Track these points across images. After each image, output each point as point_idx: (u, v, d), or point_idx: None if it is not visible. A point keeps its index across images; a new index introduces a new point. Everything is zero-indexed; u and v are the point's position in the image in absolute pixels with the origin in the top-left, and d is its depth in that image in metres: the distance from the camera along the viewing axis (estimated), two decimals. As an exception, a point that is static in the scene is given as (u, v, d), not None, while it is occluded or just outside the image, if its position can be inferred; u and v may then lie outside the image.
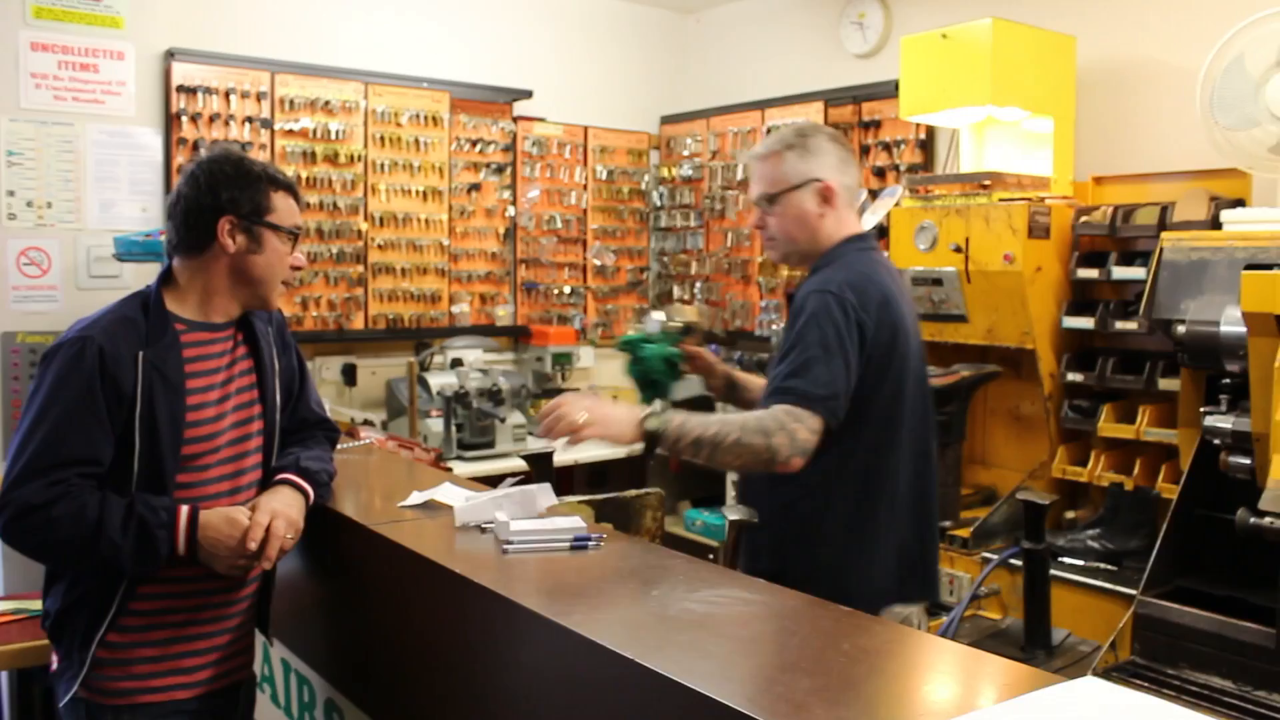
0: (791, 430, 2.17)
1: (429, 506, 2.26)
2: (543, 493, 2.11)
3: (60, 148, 4.06)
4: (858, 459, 2.31)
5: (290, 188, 2.19)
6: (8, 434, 3.95)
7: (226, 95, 4.38)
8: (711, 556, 4.32)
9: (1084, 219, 3.53)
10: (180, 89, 4.28)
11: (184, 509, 2.03)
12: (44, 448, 1.95)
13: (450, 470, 2.82)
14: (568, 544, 1.93)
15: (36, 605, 3.48)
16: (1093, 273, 3.47)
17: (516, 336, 5.27)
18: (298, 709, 2.61)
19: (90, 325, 2.03)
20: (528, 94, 5.18)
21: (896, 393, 2.35)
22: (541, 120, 5.25)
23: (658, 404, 2.46)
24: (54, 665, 2.13)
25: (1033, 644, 2.58)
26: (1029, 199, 3.47)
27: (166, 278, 2.16)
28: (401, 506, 2.27)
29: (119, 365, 2.00)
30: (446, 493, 2.28)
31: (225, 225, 2.09)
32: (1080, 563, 3.20)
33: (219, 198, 2.09)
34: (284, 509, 2.11)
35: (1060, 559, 3.20)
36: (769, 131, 5.02)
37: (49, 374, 1.99)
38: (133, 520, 1.97)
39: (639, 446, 2.27)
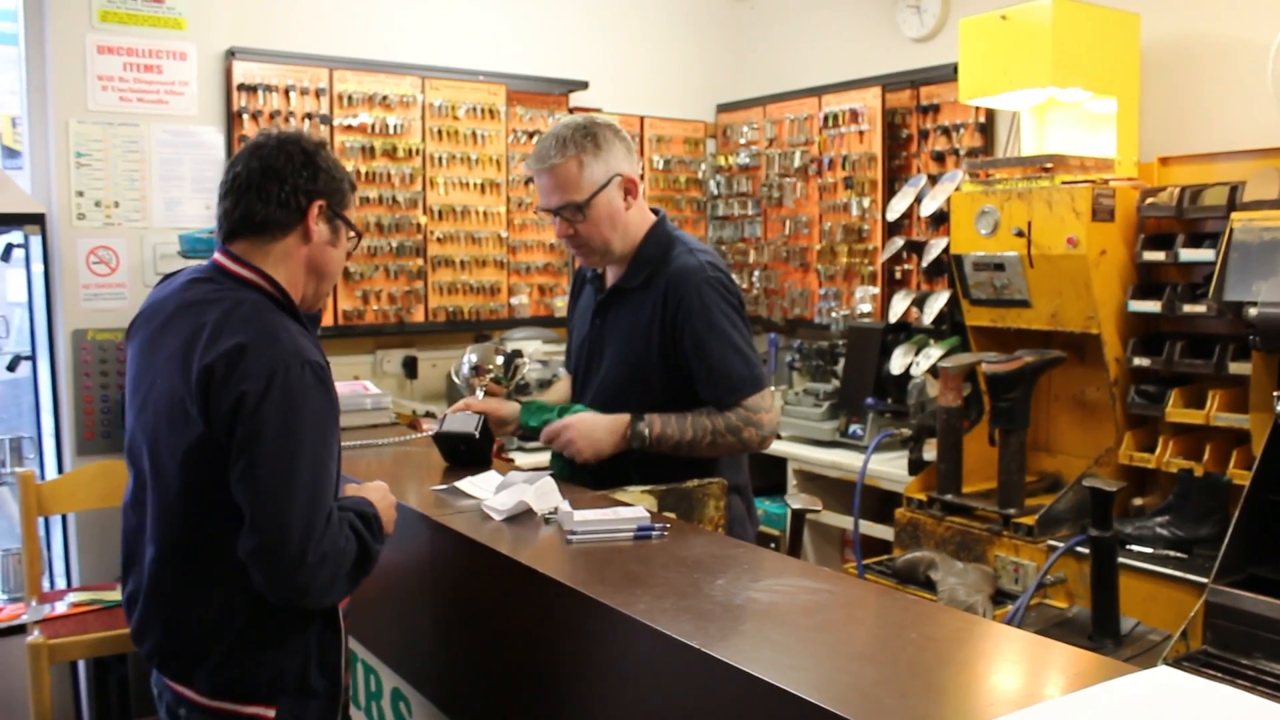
0: (757, 421, 2.48)
1: (453, 492, 2.30)
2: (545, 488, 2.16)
3: (126, 148, 4.14)
4: None
5: (355, 187, 2.12)
6: (79, 430, 4.03)
7: (286, 92, 4.43)
8: (773, 545, 4.31)
9: (1150, 201, 3.46)
10: (241, 87, 4.33)
11: (362, 498, 2.01)
12: (327, 487, 1.85)
13: (512, 461, 2.84)
14: (631, 534, 1.93)
15: (110, 596, 3.58)
16: (1159, 255, 3.41)
17: (574, 327, 5.28)
18: (365, 698, 2.65)
19: (290, 342, 1.85)
20: (584, 85, 5.18)
21: None
22: (598, 111, 5.23)
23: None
24: (275, 715, 1.94)
25: (1101, 633, 2.55)
26: (1092, 181, 3.42)
27: (248, 268, 1.97)
28: (433, 490, 2.32)
29: (332, 382, 1.93)
30: (478, 482, 2.32)
31: (316, 209, 1.98)
32: (1149, 550, 3.15)
33: (316, 179, 1.98)
34: None
35: (1128, 546, 3.16)
36: (826, 119, 4.98)
37: (297, 406, 1.81)
38: (373, 522, 1.94)
39: None
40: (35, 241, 4.03)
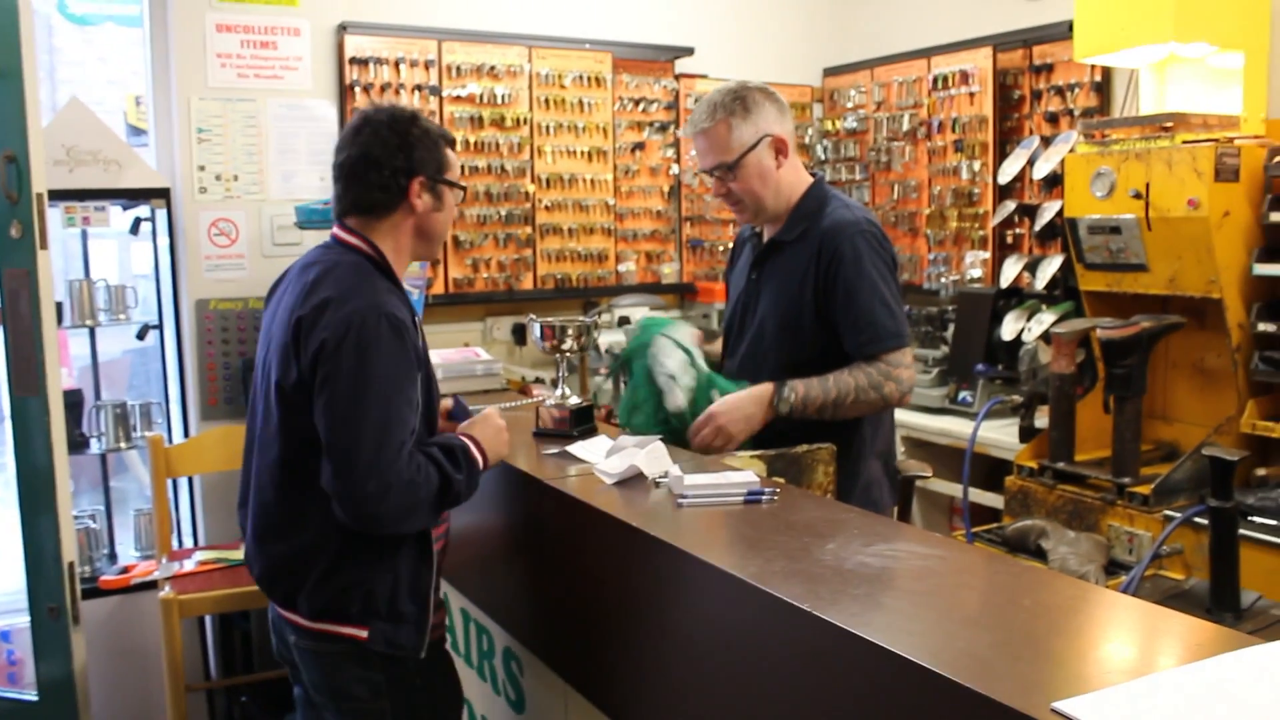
0: (896, 376, 2.52)
1: (564, 456, 2.34)
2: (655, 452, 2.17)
3: (244, 123, 4.26)
4: None
5: (454, 142, 2.27)
6: (203, 396, 4.19)
7: (396, 65, 4.51)
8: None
9: (1278, 159, 3.33)
10: (353, 61, 4.42)
11: (462, 435, 2.16)
12: (396, 424, 1.99)
13: (620, 426, 2.87)
14: (741, 498, 1.95)
15: (234, 555, 3.72)
16: (1287, 216, 3.28)
17: (682, 294, 5.30)
18: (477, 657, 2.72)
19: (372, 297, 2.04)
20: (689, 51, 5.16)
21: None
22: (703, 77, 5.22)
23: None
24: (367, 635, 2.11)
25: (1220, 606, 2.48)
26: (1216, 140, 3.30)
27: (357, 237, 2.18)
28: (545, 454, 2.37)
29: (415, 334, 2.10)
30: (588, 446, 2.35)
31: (416, 185, 2.15)
32: (1272, 522, 3.06)
33: (411, 158, 2.14)
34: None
35: (1249, 518, 3.07)
36: (935, 81, 4.90)
37: (370, 351, 1.99)
38: (457, 454, 2.09)
39: None
40: (161, 215, 4.19)
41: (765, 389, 2.48)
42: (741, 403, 2.48)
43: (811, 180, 2.70)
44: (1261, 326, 3.32)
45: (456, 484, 2.07)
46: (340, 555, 2.08)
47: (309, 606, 2.12)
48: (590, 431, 2.54)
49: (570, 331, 2.60)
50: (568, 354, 2.61)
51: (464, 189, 2.29)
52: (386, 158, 2.13)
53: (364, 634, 2.11)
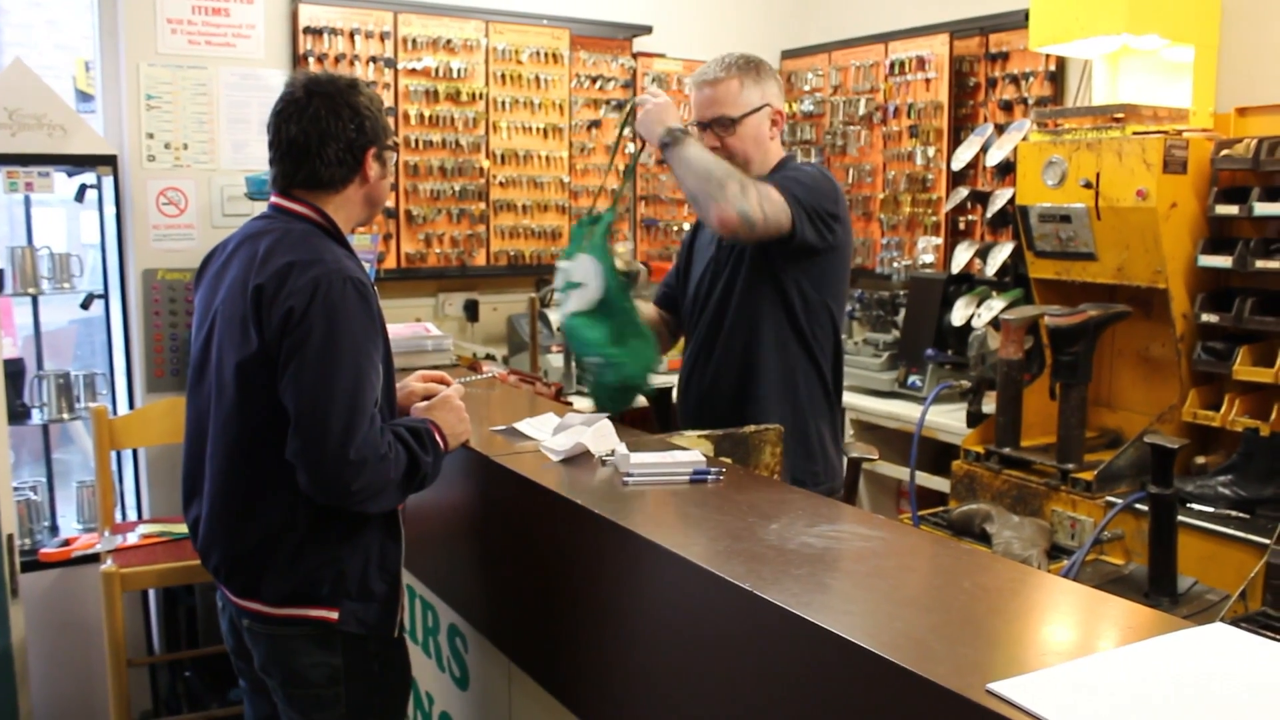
0: (762, 194, 2.43)
1: (512, 433, 2.34)
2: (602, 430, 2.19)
3: (195, 91, 4.19)
4: (830, 331, 2.69)
5: (383, 104, 2.29)
6: (149, 367, 4.13)
7: (351, 36, 4.45)
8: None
9: (1225, 152, 3.38)
10: (307, 30, 4.36)
11: (422, 417, 2.15)
12: (367, 390, 1.96)
13: (571, 404, 2.87)
14: (687, 477, 1.95)
15: (178, 529, 3.68)
16: (1232, 209, 3.32)
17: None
18: (423, 633, 2.71)
19: (334, 261, 2.00)
20: (647, 29, 5.14)
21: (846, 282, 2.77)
22: (661, 56, 5.21)
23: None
24: (338, 616, 2.08)
25: (1157, 591, 2.53)
26: (1165, 132, 3.34)
27: (304, 205, 2.13)
28: (492, 430, 2.36)
29: (376, 300, 2.07)
30: (536, 424, 2.35)
31: (369, 157, 2.14)
32: (1210, 509, 3.12)
33: (363, 130, 2.11)
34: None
35: (1188, 505, 3.12)
36: (892, 66, 4.91)
37: (338, 315, 1.95)
38: (424, 437, 2.07)
39: None
40: (107, 183, 4.11)
41: (673, 123, 2.54)
42: (663, 114, 2.55)
43: (785, 156, 2.75)
44: (1205, 317, 3.37)
45: (424, 465, 2.05)
46: (308, 536, 2.03)
47: (274, 592, 2.06)
48: None
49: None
50: None
51: (397, 147, 2.28)
52: (340, 131, 2.09)
53: (334, 615, 2.06)
